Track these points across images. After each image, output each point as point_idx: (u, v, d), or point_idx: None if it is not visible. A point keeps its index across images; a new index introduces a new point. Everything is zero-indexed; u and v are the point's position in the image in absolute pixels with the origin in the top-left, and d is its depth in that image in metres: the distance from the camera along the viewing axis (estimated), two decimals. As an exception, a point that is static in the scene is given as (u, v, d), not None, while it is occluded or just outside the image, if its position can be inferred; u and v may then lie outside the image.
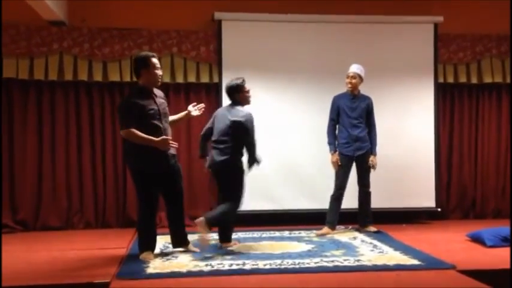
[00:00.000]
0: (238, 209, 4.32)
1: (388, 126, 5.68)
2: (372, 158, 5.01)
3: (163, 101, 4.09)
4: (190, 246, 4.24)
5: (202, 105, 4.39)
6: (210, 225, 4.09)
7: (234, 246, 4.36)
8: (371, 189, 5.10)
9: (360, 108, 4.98)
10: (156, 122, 3.91)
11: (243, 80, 4.39)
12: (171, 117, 4.21)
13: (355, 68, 4.95)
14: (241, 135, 4.25)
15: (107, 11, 5.53)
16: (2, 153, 5.29)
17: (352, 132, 4.93)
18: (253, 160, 4.28)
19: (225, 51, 5.55)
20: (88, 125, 5.53)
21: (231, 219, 4.33)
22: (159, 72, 4.00)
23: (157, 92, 4.07)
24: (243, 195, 4.30)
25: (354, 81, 4.91)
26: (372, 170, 5.03)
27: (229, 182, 4.28)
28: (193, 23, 5.63)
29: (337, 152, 4.98)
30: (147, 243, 4.05)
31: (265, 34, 5.61)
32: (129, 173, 4.06)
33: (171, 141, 3.91)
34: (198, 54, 5.58)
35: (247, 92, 4.38)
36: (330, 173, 5.61)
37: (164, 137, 3.85)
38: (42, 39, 5.35)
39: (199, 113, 4.33)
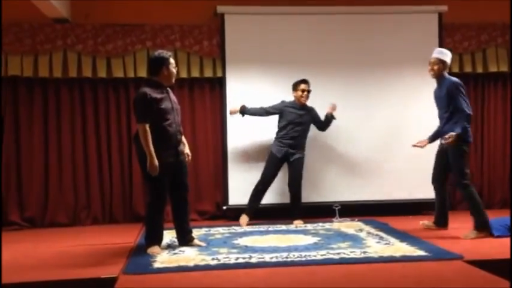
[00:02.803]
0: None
1: (392, 116, 5.67)
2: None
3: (175, 99, 4.18)
4: (196, 241, 4.26)
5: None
6: None
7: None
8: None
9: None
10: (169, 116, 3.98)
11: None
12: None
13: (435, 53, 4.56)
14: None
15: (110, 7, 5.53)
16: (2, 151, 5.31)
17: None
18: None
19: (229, 45, 5.54)
20: (93, 121, 5.55)
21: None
22: (175, 71, 4.12)
23: (170, 90, 4.14)
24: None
25: (435, 67, 4.51)
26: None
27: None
28: (196, 17, 5.61)
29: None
30: (154, 237, 4.08)
31: (268, 27, 5.59)
32: (140, 164, 4.03)
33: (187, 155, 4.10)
34: (202, 49, 5.57)
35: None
36: (337, 166, 5.63)
37: (156, 167, 3.85)
38: (46, 37, 5.36)
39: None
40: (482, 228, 4.32)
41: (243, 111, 5.28)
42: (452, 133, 4.26)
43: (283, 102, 5.30)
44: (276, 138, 5.28)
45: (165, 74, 4.02)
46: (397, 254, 3.80)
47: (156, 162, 3.87)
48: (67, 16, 5.39)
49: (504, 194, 5.97)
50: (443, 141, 4.40)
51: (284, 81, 5.51)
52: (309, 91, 5.22)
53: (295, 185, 5.25)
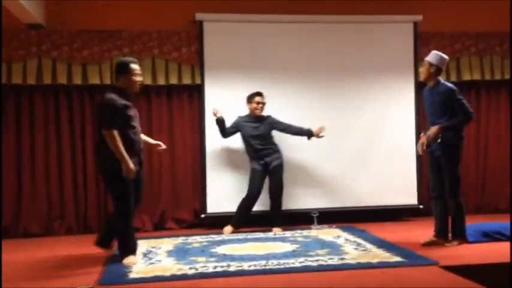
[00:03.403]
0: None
1: (369, 124, 5.73)
2: None
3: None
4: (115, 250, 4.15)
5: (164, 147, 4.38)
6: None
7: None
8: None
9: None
10: (134, 123, 3.96)
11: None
12: (143, 136, 4.27)
13: (428, 55, 4.39)
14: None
15: (86, 13, 5.46)
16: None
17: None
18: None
19: (207, 52, 5.53)
20: (68, 128, 5.45)
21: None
22: (139, 78, 4.03)
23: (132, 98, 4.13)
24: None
25: (423, 69, 4.39)
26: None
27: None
28: (174, 24, 5.59)
29: None
30: (129, 247, 4.01)
31: (247, 35, 5.60)
32: (104, 175, 3.98)
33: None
34: (180, 56, 5.54)
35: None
36: (315, 173, 5.65)
37: (133, 168, 3.83)
38: (20, 43, 5.27)
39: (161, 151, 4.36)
40: (461, 236, 4.32)
41: (220, 120, 5.24)
42: (435, 127, 4.18)
43: (239, 117, 5.30)
44: (248, 155, 5.28)
45: (129, 81, 3.97)
46: (375, 260, 3.83)
47: (131, 164, 3.81)
48: (42, 22, 5.30)
49: (477, 201, 6.07)
50: (429, 140, 4.23)
51: (263, 88, 5.51)
52: (263, 103, 5.23)
53: (276, 192, 5.24)
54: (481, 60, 6.02)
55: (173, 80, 5.55)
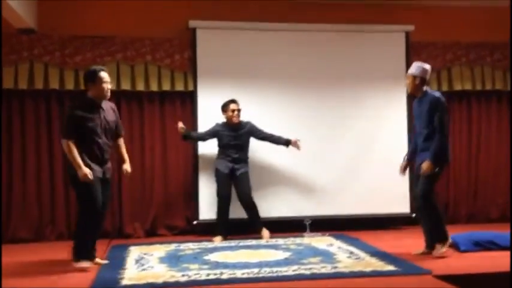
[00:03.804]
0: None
1: (361, 133, 5.75)
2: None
3: (112, 114, 4.13)
4: (97, 260, 4.13)
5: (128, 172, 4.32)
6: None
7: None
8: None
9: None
10: (94, 136, 3.96)
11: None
12: (123, 150, 4.27)
13: (410, 67, 4.37)
14: None
15: (79, 18, 5.44)
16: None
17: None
18: None
19: (200, 59, 5.53)
20: (59, 134, 5.39)
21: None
22: (107, 86, 4.04)
23: (106, 105, 4.10)
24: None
25: (407, 82, 4.37)
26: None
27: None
28: (167, 30, 5.58)
29: None
30: (84, 251, 3.99)
31: (240, 42, 5.62)
32: (72, 182, 4.01)
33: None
34: (173, 62, 5.53)
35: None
36: (308, 181, 5.65)
37: (88, 172, 3.85)
38: (12, 47, 5.23)
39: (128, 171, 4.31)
40: (444, 240, 4.24)
41: (187, 135, 5.23)
42: (426, 163, 4.15)
43: (216, 124, 5.29)
44: (218, 157, 5.28)
45: (97, 89, 3.99)
46: (368, 269, 3.83)
47: (86, 169, 3.84)
48: (34, 26, 5.27)
49: (469, 209, 6.11)
50: (420, 172, 4.24)
51: (255, 95, 5.54)
52: (239, 110, 5.23)
53: (246, 197, 5.22)
54: (472, 71, 6.08)
55: (166, 87, 5.54)
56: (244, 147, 5.29)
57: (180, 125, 5.18)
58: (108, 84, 4.03)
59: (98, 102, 4.01)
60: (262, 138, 5.34)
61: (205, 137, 5.31)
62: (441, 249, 4.21)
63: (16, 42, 5.24)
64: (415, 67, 4.30)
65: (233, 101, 5.23)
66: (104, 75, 4.00)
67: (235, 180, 5.23)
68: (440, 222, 4.25)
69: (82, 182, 3.86)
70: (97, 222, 4.04)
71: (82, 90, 5.33)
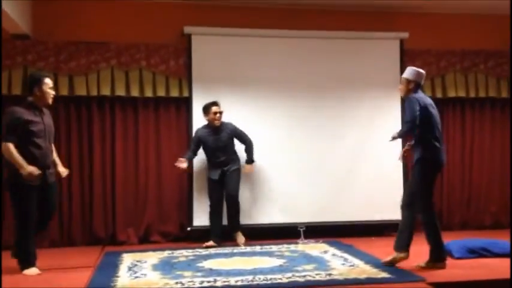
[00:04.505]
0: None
1: (355, 140, 5.76)
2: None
3: (50, 121, 4.20)
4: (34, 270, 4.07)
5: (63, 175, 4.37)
6: None
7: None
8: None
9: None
10: (38, 140, 3.98)
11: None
12: (55, 155, 4.29)
13: (405, 73, 4.30)
14: None
15: (74, 24, 5.43)
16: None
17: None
18: None
19: (195, 66, 5.53)
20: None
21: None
22: (52, 92, 4.12)
23: (46, 111, 4.18)
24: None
25: (400, 87, 4.34)
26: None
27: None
28: (162, 36, 5.58)
29: None
30: (29, 258, 4.02)
31: (235, 48, 5.62)
32: (8, 186, 4.00)
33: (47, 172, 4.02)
34: (168, 68, 5.53)
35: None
36: (302, 188, 5.65)
37: (33, 169, 3.87)
38: (6, 53, 5.20)
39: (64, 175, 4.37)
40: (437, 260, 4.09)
41: (188, 165, 5.24)
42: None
43: (197, 131, 5.28)
44: (208, 165, 5.30)
45: (38, 94, 4.04)
46: (362, 276, 3.82)
47: (30, 167, 3.84)
48: (28, 32, 5.25)
49: (463, 216, 6.12)
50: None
51: (250, 102, 5.54)
52: (221, 112, 5.22)
53: (230, 196, 5.17)
54: (465, 78, 6.11)
55: (160, 93, 5.53)
56: (229, 148, 5.27)
57: (183, 166, 5.13)
58: (52, 91, 4.12)
59: (40, 107, 4.08)
60: (241, 142, 5.34)
61: (195, 151, 5.28)
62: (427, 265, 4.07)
63: (10, 48, 5.22)
64: (410, 70, 4.26)
65: (215, 104, 5.20)
66: (48, 81, 4.09)
67: (226, 178, 5.22)
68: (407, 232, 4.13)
69: (21, 187, 3.86)
70: (33, 228, 4.03)
71: (76, 96, 5.36)
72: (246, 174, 5.33)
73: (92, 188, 5.42)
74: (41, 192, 4.01)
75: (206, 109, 5.22)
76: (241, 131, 5.33)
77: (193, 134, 5.32)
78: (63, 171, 4.31)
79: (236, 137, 5.32)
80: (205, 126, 5.27)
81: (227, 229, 5.27)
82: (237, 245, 5.14)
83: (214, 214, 5.23)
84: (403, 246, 4.14)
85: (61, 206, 5.36)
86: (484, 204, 6.14)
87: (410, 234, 4.16)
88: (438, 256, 4.07)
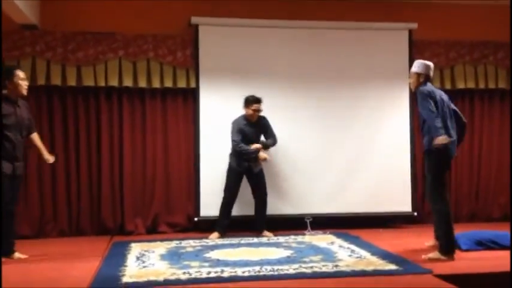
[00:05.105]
0: None
1: (363, 132, 5.74)
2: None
3: (26, 111, 4.28)
4: (17, 254, 4.25)
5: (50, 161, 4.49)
6: None
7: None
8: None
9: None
10: (9, 133, 4.07)
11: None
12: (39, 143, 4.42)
13: (414, 67, 4.33)
14: None
15: (82, 15, 5.43)
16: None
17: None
18: None
19: (202, 56, 5.52)
20: (61, 130, 5.41)
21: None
22: (24, 83, 4.22)
23: (21, 103, 4.25)
24: None
25: (410, 81, 4.41)
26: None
27: None
28: (169, 27, 5.57)
29: None
30: (11, 247, 4.20)
31: (242, 39, 5.60)
32: None
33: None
34: (175, 59, 5.52)
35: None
36: (309, 179, 5.64)
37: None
38: (14, 43, 5.22)
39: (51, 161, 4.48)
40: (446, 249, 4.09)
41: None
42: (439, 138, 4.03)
43: (236, 122, 5.21)
44: (233, 152, 5.24)
45: (10, 87, 4.14)
46: (369, 268, 3.82)
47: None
48: (36, 22, 5.26)
49: (471, 209, 6.10)
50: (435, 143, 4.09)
51: (257, 92, 5.49)
52: (260, 111, 5.23)
53: (263, 195, 5.26)
54: (475, 69, 6.06)
55: (168, 83, 5.53)
56: (259, 141, 5.29)
57: (264, 155, 5.16)
58: (25, 82, 4.20)
59: (13, 99, 4.14)
60: (268, 138, 5.35)
61: (242, 140, 5.18)
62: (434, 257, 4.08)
63: (18, 38, 5.24)
64: (418, 64, 4.29)
65: (258, 101, 5.19)
66: (20, 73, 4.19)
67: (253, 177, 5.24)
68: (443, 228, 4.11)
69: None
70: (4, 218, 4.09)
71: (84, 86, 5.37)
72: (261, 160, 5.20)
73: (100, 178, 5.45)
74: (11, 181, 4.12)
75: (248, 103, 5.21)
76: (271, 127, 5.33)
77: (232, 125, 5.21)
78: (48, 158, 4.42)
79: (266, 131, 5.32)
80: (242, 118, 5.24)
81: (253, 224, 5.30)
82: (246, 236, 5.16)
83: (228, 206, 5.22)
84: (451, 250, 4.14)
85: (70, 197, 5.41)
86: (493, 196, 6.11)
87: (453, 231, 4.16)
88: (447, 249, 4.07)
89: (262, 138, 5.37)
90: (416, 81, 4.26)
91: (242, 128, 5.21)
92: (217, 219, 5.24)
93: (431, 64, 4.32)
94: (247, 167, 5.20)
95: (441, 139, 4.01)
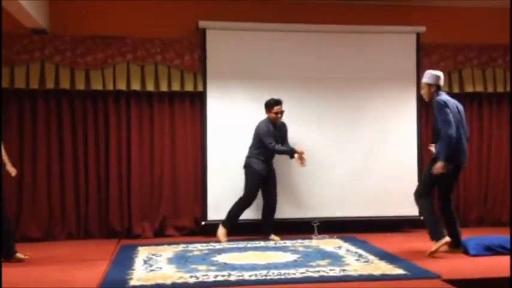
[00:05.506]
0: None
1: (370, 135, 5.73)
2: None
3: None
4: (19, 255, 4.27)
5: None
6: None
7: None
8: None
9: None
10: None
11: None
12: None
13: (424, 78, 4.54)
14: None
15: (90, 19, 5.47)
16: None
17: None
18: None
19: (210, 60, 5.53)
20: (70, 133, 5.44)
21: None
22: None
23: None
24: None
25: (422, 92, 4.62)
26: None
27: None
28: (177, 31, 5.59)
29: None
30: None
31: (249, 43, 5.61)
32: None
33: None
34: (182, 63, 5.54)
35: None
36: (316, 183, 5.63)
37: None
38: (24, 47, 5.27)
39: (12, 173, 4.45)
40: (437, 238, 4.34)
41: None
42: (439, 164, 4.28)
43: (265, 126, 5.20)
44: (255, 155, 5.23)
45: None
46: (376, 272, 3.81)
47: None
48: (45, 27, 5.31)
49: (480, 213, 6.06)
50: (433, 171, 4.35)
51: (265, 96, 5.50)
52: (282, 112, 5.24)
53: (274, 198, 5.29)
54: (483, 73, 6.03)
55: (175, 87, 5.55)
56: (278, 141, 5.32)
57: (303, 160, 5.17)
58: None
59: None
60: (282, 138, 5.36)
61: (277, 142, 5.23)
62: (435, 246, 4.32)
63: (28, 43, 5.28)
64: (429, 75, 4.48)
65: (278, 103, 5.22)
66: None
67: (267, 181, 5.26)
68: (431, 222, 4.40)
69: None
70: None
71: (93, 90, 5.41)
72: (301, 160, 5.16)
73: (108, 181, 5.47)
74: None
75: (269, 106, 5.23)
76: (287, 132, 5.39)
77: (260, 128, 5.19)
78: (11, 170, 4.42)
79: (284, 137, 5.36)
80: (267, 121, 5.25)
81: (262, 228, 5.32)
82: (252, 239, 5.15)
83: (244, 208, 5.21)
84: (438, 234, 4.33)
85: (78, 200, 5.44)
86: (501, 200, 6.07)
87: (437, 219, 4.42)
88: (436, 234, 4.34)
89: None
90: (428, 91, 4.47)
91: (272, 131, 5.22)
92: (229, 218, 5.18)
93: (441, 74, 4.50)
94: (269, 171, 5.24)
95: (439, 167, 4.27)
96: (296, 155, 5.18)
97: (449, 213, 4.46)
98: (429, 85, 4.45)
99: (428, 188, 4.50)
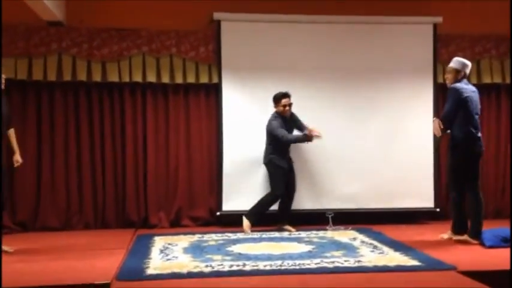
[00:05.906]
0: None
1: (387, 126, 5.70)
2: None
3: (3, 108, 4.30)
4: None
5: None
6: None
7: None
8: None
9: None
10: None
11: None
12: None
13: (453, 63, 4.64)
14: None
15: (106, 11, 5.51)
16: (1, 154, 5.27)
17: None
18: None
19: (224, 52, 5.54)
20: (87, 125, 5.51)
21: None
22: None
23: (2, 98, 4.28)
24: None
25: (447, 76, 4.68)
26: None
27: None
28: (192, 23, 5.61)
29: None
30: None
31: (264, 34, 5.61)
32: None
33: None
34: (197, 55, 5.56)
35: None
36: (331, 174, 5.63)
37: None
38: (41, 40, 5.33)
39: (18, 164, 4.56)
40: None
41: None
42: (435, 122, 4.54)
43: (275, 119, 5.20)
44: (273, 152, 5.22)
45: None
46: (391, 263, 3.80)
47: None
48: (62, 19, 5.37)
49: (497, 205, 6.00)
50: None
51: (279, 88, 5.50)
52: (290, 104, 5.23)
53: (293, 190, 5.35)
54: (501, 64, 5.94)
55: (190, 79, 5.58)
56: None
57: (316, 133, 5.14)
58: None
59: None
60: (297, 128, 5.37)
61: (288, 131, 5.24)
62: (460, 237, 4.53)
63: (45, 35, 5.35)
64: (459, 61, 4.57)
65: (286, 95, 5.21)
66: None
67: (288, 173, 5.30)
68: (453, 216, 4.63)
69: None
70: None
71: (109, 82, 5.46)
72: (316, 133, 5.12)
73: (124, 172, 5.54)
74: None
75: (277, 100, 5.23)
76: (297, 116, 5.37)
77: (271, 122, 5.19)
78: (17, 160, 4.52)
79: (296, 125, 5.35)
80: (277, 115, 5.25)
81: (279, 218, 5.36)
82: (267, 230, 5.18)
83: (270, 206, 5.23)
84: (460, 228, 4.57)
85: (96, 190, 5.51)
86: (519, 193, 6.00)
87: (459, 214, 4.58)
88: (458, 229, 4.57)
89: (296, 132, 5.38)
90: (454, 77, 4.54)
91: (282, 124, 5.21)
92: (254, 213, 5.17)
93: (469, 63, 4.62)
94: (289, 164, 5.28)
95: (434, 126, 4.53)
96: (307, 131, 5.15)
97: (458, 204, 4.57)
98: (457, 71, 4.53)
99: (452, 181, 4.60)
